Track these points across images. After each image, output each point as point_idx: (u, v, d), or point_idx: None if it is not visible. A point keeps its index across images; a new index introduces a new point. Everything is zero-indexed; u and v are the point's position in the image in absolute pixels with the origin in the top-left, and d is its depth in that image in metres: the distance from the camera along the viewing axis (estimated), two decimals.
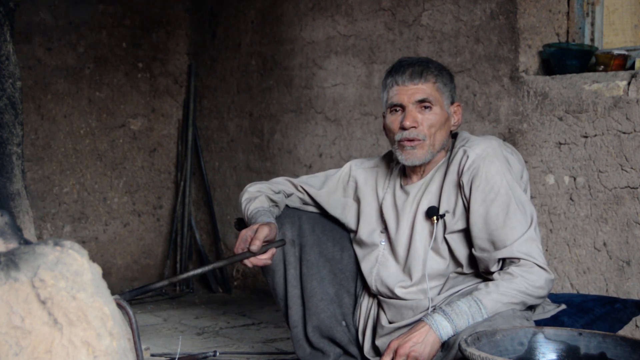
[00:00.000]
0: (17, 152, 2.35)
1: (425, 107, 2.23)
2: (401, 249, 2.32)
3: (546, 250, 3.09)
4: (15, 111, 2.36)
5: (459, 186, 2.20)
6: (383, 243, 2.38)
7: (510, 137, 3.20)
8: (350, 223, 2.50)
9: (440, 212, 2.24)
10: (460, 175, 2.20)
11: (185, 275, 2.19)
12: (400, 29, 3.72)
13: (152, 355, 3.08)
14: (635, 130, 2.80)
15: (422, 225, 2.29)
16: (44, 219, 4.74)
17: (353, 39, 3.99)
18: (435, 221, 2.24)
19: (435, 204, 2.26)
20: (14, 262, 1.39)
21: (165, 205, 5.22)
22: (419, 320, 2.14)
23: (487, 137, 2.27)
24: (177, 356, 3.00)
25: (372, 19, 3.88)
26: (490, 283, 2.10)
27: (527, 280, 2.07)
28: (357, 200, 2.49)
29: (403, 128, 2.24)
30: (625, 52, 3.02)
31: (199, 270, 2.20)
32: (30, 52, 4.66)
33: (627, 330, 2.81)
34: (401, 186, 2.37)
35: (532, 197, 3.11)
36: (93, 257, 1.60)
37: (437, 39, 3.53)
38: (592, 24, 3.21)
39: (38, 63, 4.70)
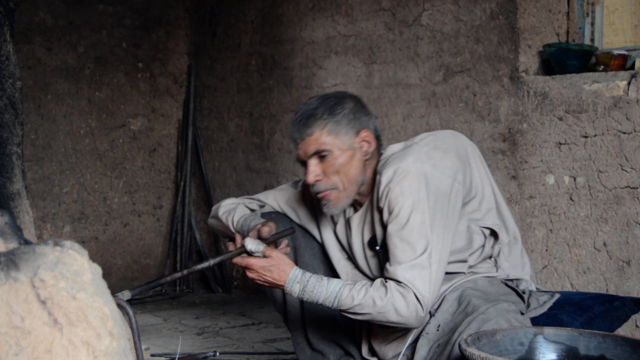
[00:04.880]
0: (17, 152, 2.35)
1: (322, 157, 2.19)
2: (368, 272, 2.33)
3: (546, 250, 3.09)
4: (15, 111, 2.36)
5: (382, 211, 2.18)
6: (350, 266, 2.39)
7: (510, 137, 3.20)
8: (317, 236, 2.48)
9: (379, 244, 2.23)
10: (379, 201, 2.18)
11: (200, 267, 2.21)
12: (400, 29, 3.72)
13: (152, 355, 3.08)
14: (635, 130, 2.80)
15: (370, 254, 2.29)
16: (44, 219, 4.74)
17: (353, 39, 3.99)
18: (378, 251, 2.24)
19: (372, 233, 2.26)
20: (14, 262, 1.39)
21: (165, 205, 5.22)
22: (290, 270, 2.16)
23: (414, 147, 2.20)
24: (177, 356, 3.00)
25: (372, 19, 3.88)
26: (368, 287, 2.09)
27: (395, 304, 2.05)
28: (316, 219, 2.48)
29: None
30: (625, 52, 3.02)
31: (211, 261, 2.21)
32: (30, 52, 4.66)
33: (627, 330, 2.82)
34: (347, 220, 2.35)
35: (531, 197, 3.12)
36: (93, 257, 1.60)
37: (437, 39, 3.53)
38: (592, 24, 3.21)
39: (38, 63, 4.70)
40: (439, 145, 2.20)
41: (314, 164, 2.19)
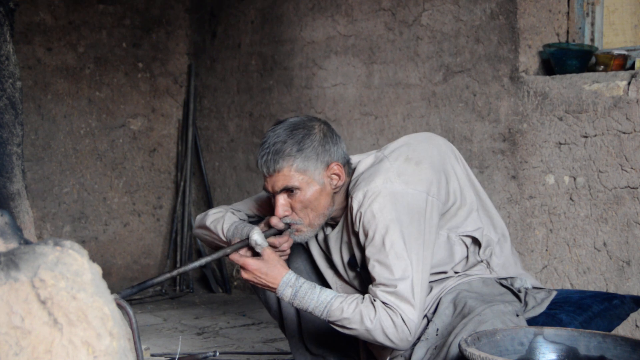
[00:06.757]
0: (17, 152, 2.35)
1: (291, 191, 2.16)
2: (353, 286, 2.32)
3: (546, 250, 3.09)
4: (15, 111, 2.37)
5: (357, 234, 2.17)
6: (339, 282, 2.37)
7: (510, 137, 3.20)
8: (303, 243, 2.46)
9: (359, 265, 2.21)
10: (353, 225, 2.16)
11: (203, 261, 2.20)
12: (400, 29, 3.72)
13: (152, 355, 3.08)
14: (635, 130, 2.80)
15: (352, 274, 2.29)
16: (44, 219, 4.74)
17: (353, 39, 3.99)
18: (359, 270, 2.23)
19: (351, 253, 2.25)
20: (14, 262, 1.39)
21: (165, 205, 5.22)
22: (285, 273, 2.14)
23: (384, 163, 2.17)
24: (177, 356, 3.00)
25: (372, 19, 3.88)
26: (359, 302, 2.07)
27: (382, 325, 2.03)
28: None
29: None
30: (625, 52, 3.02)
31: (219, 254, 2.20)
32: (30, 52, 4.66)
33: (626, 330, 2.82)
34: (325, 236, 2.34)
35: (531, 197, 3.12)
36: (93, 257, 1.60)
37: (437, 39, 3.53)
38: (592, 24, 3.21)
39: (38, 63, 4.70)
40: (411, 157, 2.17)
41: (282, 199, 2.17)
